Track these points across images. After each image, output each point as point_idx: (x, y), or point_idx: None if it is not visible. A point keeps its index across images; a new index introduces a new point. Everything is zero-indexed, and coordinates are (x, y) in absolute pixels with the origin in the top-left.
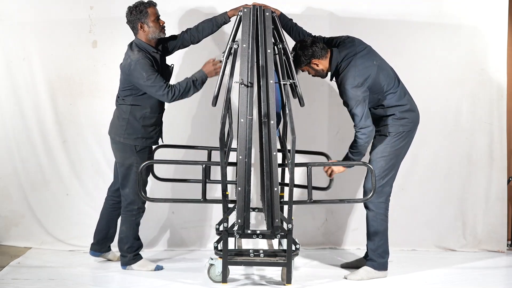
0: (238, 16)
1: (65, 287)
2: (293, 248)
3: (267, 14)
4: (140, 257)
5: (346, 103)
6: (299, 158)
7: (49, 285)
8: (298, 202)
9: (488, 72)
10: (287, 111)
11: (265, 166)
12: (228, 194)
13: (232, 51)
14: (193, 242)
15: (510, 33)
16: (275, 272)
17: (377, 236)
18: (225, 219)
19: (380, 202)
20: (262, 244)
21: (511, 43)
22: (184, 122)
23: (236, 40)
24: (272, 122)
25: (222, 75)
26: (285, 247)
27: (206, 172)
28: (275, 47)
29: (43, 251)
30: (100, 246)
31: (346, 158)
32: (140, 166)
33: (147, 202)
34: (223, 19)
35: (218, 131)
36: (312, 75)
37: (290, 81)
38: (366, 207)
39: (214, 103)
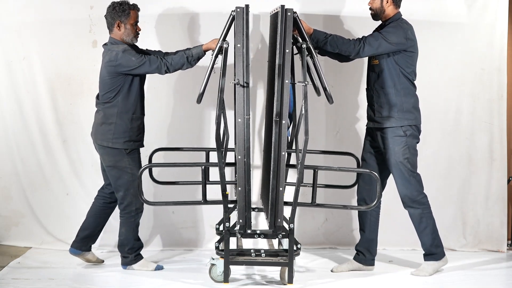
0: (230, 16)
1: (65, 287)
2: (295, 248)
3: (288, 14)
4: (141, 257)
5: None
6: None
7: (49, 285)
8: (302, 204)
9: (488, 72)
10: (302, 112)
11: (272, 166)
12: (228, 194)
13: (223, 50)
14: (193, 242)
15: (510, 32)
16: (276, 272)
17: (430, 230)
18: (226, 219)
19: (422, 197)
20: (261, 244)
21: (511, 43)
22: (181, 124)
23: (226, 39)
24: (283, 122)
25: (210, 73)
26: (285, 247)
27: (206, 174)
28: (300, 47)
29: (43, 251)
30: (81, 244)
31: (327, 36)
32: (135, 168)
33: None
34: (198, 53)
35: (214, 132)
36: (372, 6)
37: (306, 82)
38: (409, 206)
39: (199, 100)
